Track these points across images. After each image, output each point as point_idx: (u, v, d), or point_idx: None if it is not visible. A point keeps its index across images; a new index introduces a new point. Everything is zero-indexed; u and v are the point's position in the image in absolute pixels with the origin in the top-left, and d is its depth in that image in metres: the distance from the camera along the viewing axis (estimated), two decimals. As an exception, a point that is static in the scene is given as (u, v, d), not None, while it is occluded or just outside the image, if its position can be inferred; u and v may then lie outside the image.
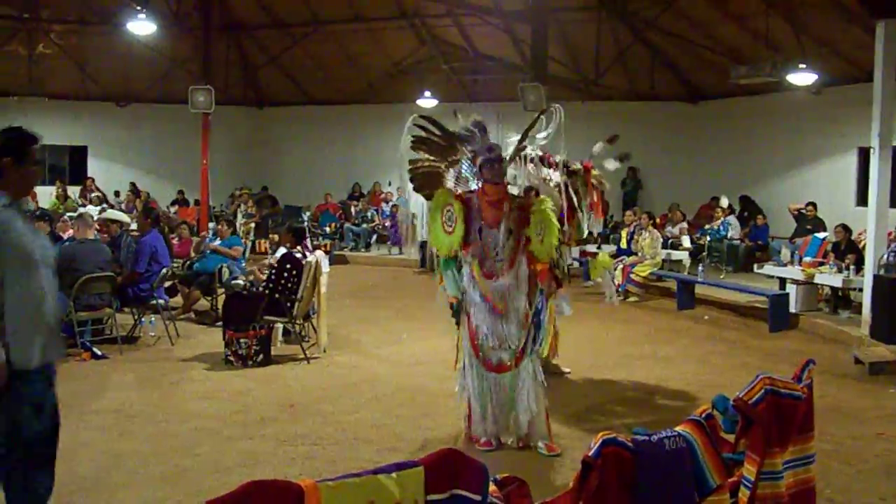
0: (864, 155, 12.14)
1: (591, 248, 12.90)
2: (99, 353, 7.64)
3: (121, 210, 13.60)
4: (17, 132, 3.40)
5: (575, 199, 5.98)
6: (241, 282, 9.30)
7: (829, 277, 9.64)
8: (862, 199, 11.54)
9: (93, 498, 4.41)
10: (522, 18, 14.90)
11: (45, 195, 17.24)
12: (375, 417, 5.94)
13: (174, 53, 17.91)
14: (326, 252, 12.54)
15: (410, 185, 5.67)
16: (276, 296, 7.71)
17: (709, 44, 14.27)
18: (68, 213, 13.35)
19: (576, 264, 12.20)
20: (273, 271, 7.99)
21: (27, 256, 3.28)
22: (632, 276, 11.79)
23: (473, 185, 5.44)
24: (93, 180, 19.02)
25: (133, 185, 19.04)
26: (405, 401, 6.38)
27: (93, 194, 17.83)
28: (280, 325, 8.12)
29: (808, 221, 12.43)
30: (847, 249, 10.08)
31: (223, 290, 9.62)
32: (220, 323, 8.34)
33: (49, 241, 3.63)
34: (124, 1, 15.43)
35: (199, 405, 6.21)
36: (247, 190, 18.45)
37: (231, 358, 7.47)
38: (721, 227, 13.45)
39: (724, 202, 14.12)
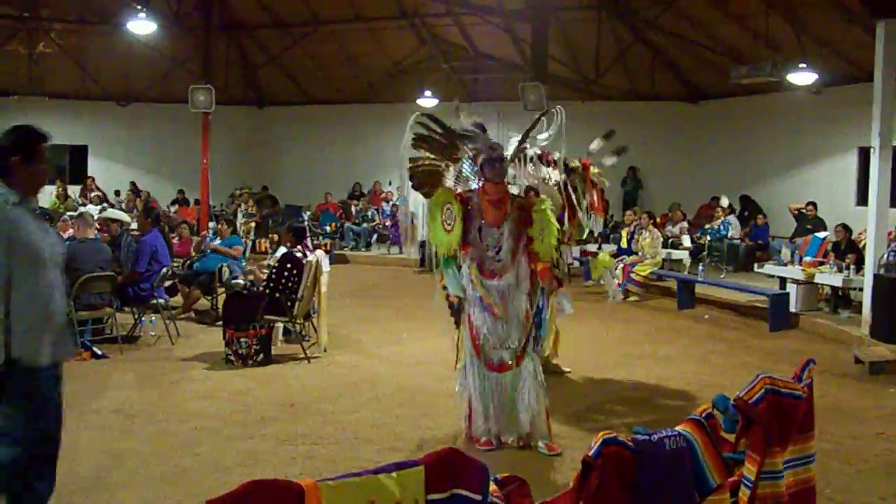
0: (864, 155, 12.13)
1: (592, 247, 12.88)
2: (99, 352, 7.64)
3: (121, 209, 13.57)
4: (25, 130, 3.38)
5: (574, 198, 5.98)
6: (241, 281, 9.29)
7: (829, 277, 9.64)
8: (862, 199, 11.54)
9: (93, 498, 4.40)
10: (523, 18, 14.90)
11: (46, 194, 17.13)
12: (375, 417, 5.94)
13: (174, 53, 17.91)
14: (327, 251, 12.53)
15: (409, 183, 5.66)
16: (277, 295, 7.71)
17: (709, 44, 14.26)
18: (68, 213, 13.33)
19: (576, 264, 12.19)
20: (273, 271, 7.99)
21: (36, 255, 3.28)
22: (632, 275, 11.79)
23: (474, 185, 5.44)
24: (93, 180, 19.02)
25: (133, 184, 19.03)
26: (405, 400, 6.37)
27: (93, 194, 17.81)
28: (280, 325, 8.13)
29: (808, 221, 12.42)
30: (847, 249, 10.08)
31: (223, 289, 9.61)
32: (220, 322, 8.34)
33: (59, 239, 3.60)
34: (124, 0, 15.43)
35: (200, 405, 6.21)
36: (247, 189, 18.43)
37: (231, 357, 7.47)
38: (721, 227, 13.43)
39: (725, 202, 14.11)
